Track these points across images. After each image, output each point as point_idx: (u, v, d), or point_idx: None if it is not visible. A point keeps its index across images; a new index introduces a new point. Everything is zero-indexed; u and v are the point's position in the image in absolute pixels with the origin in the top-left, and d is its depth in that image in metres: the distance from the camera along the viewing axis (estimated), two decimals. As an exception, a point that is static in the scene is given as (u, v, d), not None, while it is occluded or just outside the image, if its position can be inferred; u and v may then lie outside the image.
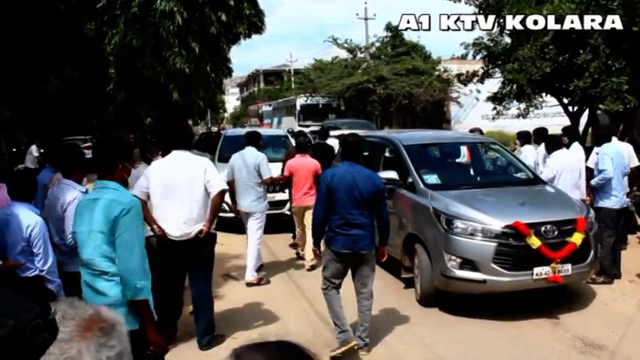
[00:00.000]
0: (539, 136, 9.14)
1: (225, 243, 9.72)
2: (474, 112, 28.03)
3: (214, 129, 35.53)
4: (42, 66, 15.73)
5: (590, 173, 7.75)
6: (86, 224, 3.25)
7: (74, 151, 5.09)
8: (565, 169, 7.70)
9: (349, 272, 5.38)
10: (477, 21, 15.80)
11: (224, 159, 11.72)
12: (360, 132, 12.51)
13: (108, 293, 3.18)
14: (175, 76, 11.11)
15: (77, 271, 4.38)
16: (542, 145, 8.87)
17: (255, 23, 12.83)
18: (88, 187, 4.60)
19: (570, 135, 8.91)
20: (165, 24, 10.78)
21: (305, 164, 8.34)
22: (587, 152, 8.54)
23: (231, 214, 10.57)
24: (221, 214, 10.42)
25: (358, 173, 5.18)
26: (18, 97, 17.45)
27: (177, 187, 5.11)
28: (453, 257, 6.01)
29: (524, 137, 9.82)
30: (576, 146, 8.48)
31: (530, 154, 8.93)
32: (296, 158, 8.52)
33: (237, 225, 10.47)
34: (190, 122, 48.08)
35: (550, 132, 9.15)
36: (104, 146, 3.65)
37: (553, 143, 8.09)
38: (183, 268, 5.33)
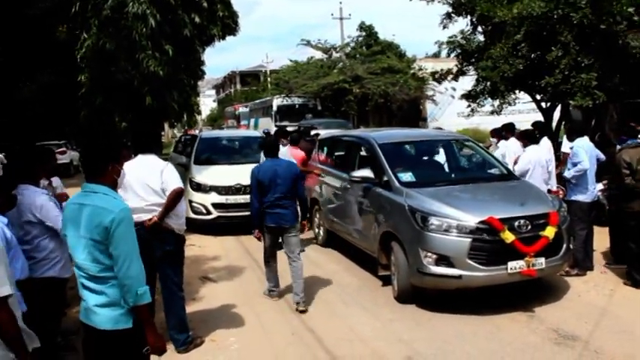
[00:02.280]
0: (508, 131, 9.34)
1: (202, 245, 9.72)
2: (449, 109, 28.28)
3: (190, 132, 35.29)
4: (16, 71, 15.52)
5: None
6: (74, 229, 3.18)
7: (29, 155, 5.08)
8: (537, 164, 7.81)
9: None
10: (450, 19, 16.01)
11: (201, 161, 11.72)
12: (337, 131, 12.65)
13: (105, 292, 3.15)
14: (149, 79, 11.01)
15: (47, 276, 4.33)
16: (512, 140, 9.04)
17: (229, 25, 12.78)
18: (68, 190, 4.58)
19: (540, 130, 9.04)
20: (137, 27, 10.67)
21: (295, 155, 9.31)
22: (557, 148, 8.68)
23: (208, 217, 10.60)
24: (199, 217, 10.56)
25: (278, 165, 6.61)
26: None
27: (134, 187, 5.23)
28: (429, 254, 6.06)
29: (498, 133, 9.96)
30: (545, 141, 8.62)
31: (506, 150, 9.07)
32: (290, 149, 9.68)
33: (213, 227, 10.49)
34: (166, 125, 47.70)
35: (524, 128, 9.30)
36: (93, 148, 3.39)
37: (529, 137, 8.21)
38: (150, 268, 5.30)
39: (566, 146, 8.36)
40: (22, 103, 18.94)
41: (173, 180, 5.36)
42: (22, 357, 2.91)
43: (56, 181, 6.25)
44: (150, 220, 5.24)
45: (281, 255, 6.86)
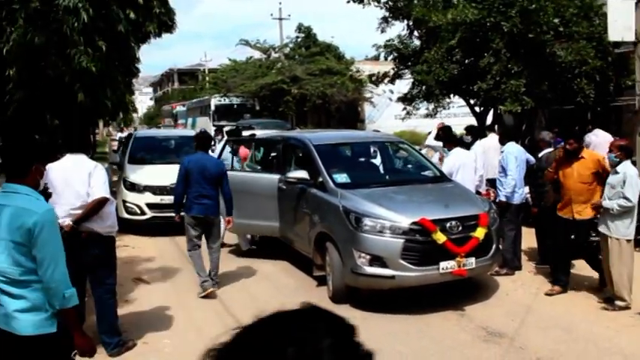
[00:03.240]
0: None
1: (136, 246, 9.52)
2: (387, 112, 28.68)
3: (122, 132, 34.42)
4: None
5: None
6: None
7: None
8: (462, 166, 8.03)
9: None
10: (387, 23, 16.27)
11: (135, 161, 11.48)
12: (273, 132, 12.63)
13: (27, 296, 3.03)
14: (81, 75, 10.65)
15: None
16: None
17: (165, 22, 12.52)
18: None
19: (473, 134, 9.32)
20: (69, 21, 10.30)
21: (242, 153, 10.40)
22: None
23: (142, 217, 10.39)
24: (133, 217, 10.33)
25: (207, 160, 7.18)
26: None
27: (59, 188, 5.01)
28: (363, 254, 6.14)
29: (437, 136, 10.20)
30: (476, 146, 8.90)
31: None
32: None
33: (148, 228, 10.29)
34: (101, 124, 46.37)
35: (457, 131, 9.58)
36: (16, 146, 3.27)
37: (451, 140, 8.44)
38: (77, 271, 5.14)
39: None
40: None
41: (99, 187, 5.11)
42: None
43: None
44: (67, 225, 4.97)
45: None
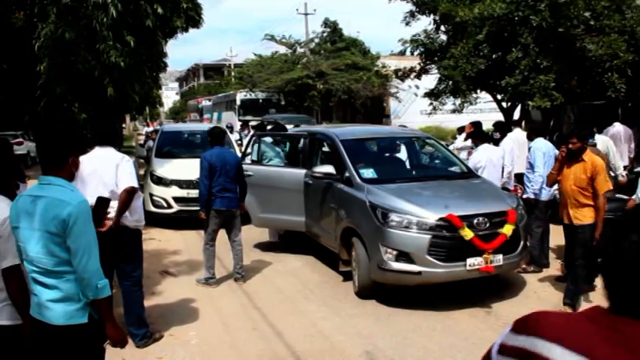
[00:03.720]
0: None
1: (163, 239, 9.62)
2: (412, 107, 28.53)
3: (148, 127, 34.78)
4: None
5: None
6: (28, 221, 3.05)
7: None
8: (488, 163, 7.95)
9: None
10: (413, 17, 16.17)
11: (162, 155, 11.59)
12: (299, 127, 12.63)
13: (60, 287, 3.07)
14: (110, 70, 10.81)
15: None
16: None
17: (192, 17, 12.64)
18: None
19: (501, 130, 9.22)
20: (98, 16, 10.46)
21: None
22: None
23: (169, 210, 10.50)
24: (160, 210, 10.44)
25: (227, 153, 7.39)
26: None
27: (89, 181, 5.06)
28: (389, 250, 6.12)
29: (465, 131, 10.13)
30: (506, 141, 8.79)
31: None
32: None
33: (174, 221, 10.39)
34: (127, 118, 46.84)
35: (484, 127, 9.48)
36: (53, 138, 3.21)
37: (480, 136, 8.37)
38: (105, 263, 5.21)
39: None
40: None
41: (126, 177, 5.17)
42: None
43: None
44: (104, 225, 5.09)
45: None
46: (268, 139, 9.95)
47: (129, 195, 5.16)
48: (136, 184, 5.26)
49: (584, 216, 6.01)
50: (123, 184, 5.14)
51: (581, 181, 6.01)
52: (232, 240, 7.34)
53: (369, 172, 7.25)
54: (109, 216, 5.10)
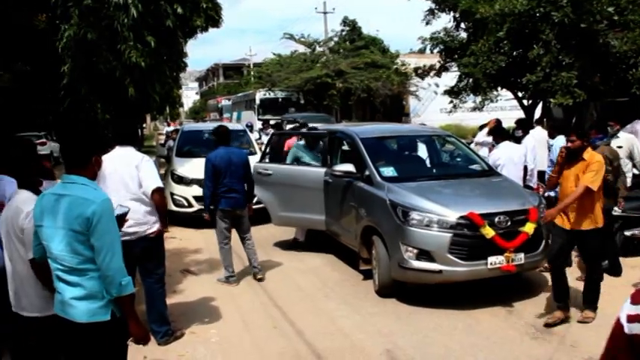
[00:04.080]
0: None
1: (184, 238, 9.68)
2: (432, 105, 28.42)
3: (169, 126, 35.00)
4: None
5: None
6: (52, 220, 3.11)
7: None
8: (508, 160, 7.88)
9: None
10: (433, 15, 16.09)
11: (183, 154, 11.68)
12: (319, 125, 12.65)
13: (83, 285, 3.11)
14: (131, 70, 10.89)
15: None
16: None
17: (212, 17, 12.65)
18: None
19: (524, 127, 9.13)
20: (119, 17, 10.55)
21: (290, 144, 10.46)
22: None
23: (189, 209, 10.56)
24: (180, 209, 10.51)
25: (232, 153, 7.23)
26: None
27: (110, 180, 5.11)
28: (410, 248, 6.10)
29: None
30: (528, 138, 8.71)
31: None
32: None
33: (195, 220, 10.45)
34: (148, 118, 47.21)
35: (505, 125, 9.39)
36: (77, 138, 3.27)
37: (502, 133, 8.29)
38: (127, 262, 5.28)
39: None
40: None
41: (152, 179, 5.25)
42: None
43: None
44: (153, 233, 5.28)
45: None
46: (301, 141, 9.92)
47: (161, 196, 5.30)
48: (161, 184, 5.32)
49: (583, 222, 5.55)
50: (150, 186, 5.20)
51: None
52: (243, 237, 7.38)
53: (389, 171, 7.23)
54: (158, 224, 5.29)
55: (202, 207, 10.35)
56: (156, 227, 5.30)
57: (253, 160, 11.49)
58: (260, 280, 7.33)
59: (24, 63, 17.04)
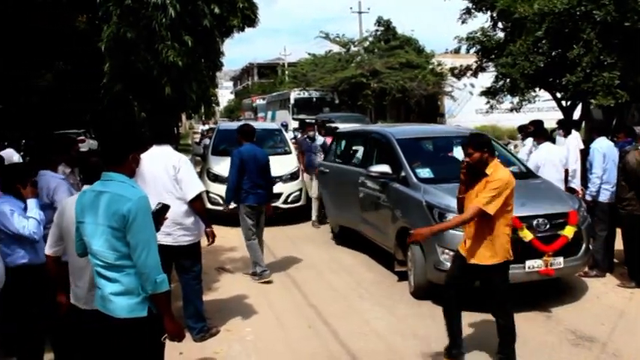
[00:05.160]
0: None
1: (219, 236, 9.73)
2: (467, 106, 28.12)
3: (204, 125, 35.39)
4: (33, 61, 15.63)
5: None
6: (92, 216, 3.17)
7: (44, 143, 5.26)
8: (547, 162, 7.73)
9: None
10: (469, 15, 15.91)
11: (218, 152, 11.77)
12: (354, 126, 12.63)
13: (121, 280, 3.15)
14: (168, 69, 11.06)
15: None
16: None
17: (248, 16, 12.75)
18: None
19: (566, 128, 8.95)
20: (157, 17, 10.72)
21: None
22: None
23: (222, 207, 10.63)
24: (216, 207, 10.58)
25: (256, 150, 7.43)
26: (8, 92, 17.34)
27: (148, 179, 5.13)
28: (446, 250, 6.02)
29: (526, 130, 9.86)
30: (569, 140, 8.54)
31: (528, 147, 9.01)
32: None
33: (230, 218, 10.51)
34: (183, 117, 47.81)
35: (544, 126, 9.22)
36: (115, 136, 3.35)
37: (542, 134, 8.15)
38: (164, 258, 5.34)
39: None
40: (41, 92, 19.10)
41: (190, 184, 5.29)
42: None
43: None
44: (209, 243, 5.54)
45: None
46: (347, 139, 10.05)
47: (201, 202, 5.44)
48: (200, 189, 5.37)
49: (481, 255, 4.64)
50: (189, 194, 5.25)
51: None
52: (258, 233, 7.47)
53: (425, 172, 7.16)
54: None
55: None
56: (198, 234, 5.40)
57: (288, 160, 11.62)
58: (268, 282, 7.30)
59: (65, 63, 17.47)
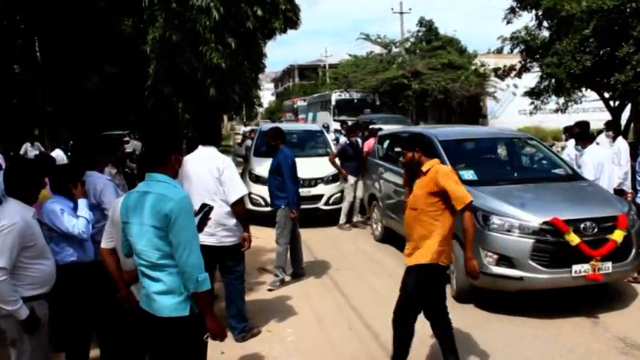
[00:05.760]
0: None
1: (260, 236, 9.81)
2: (510, 107, 27.68)
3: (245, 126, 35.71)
4: (83, 64, 16.10)
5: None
6: (137, 216, 3.24)
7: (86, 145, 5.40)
8: (603, 164, 7.54)
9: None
10: (514, 14, 15.65)
11: (260, 154, 11.87)
12: (397, 127, 12.57)
13: (163, 280, 3.21)
14: (212, 71, 11.22)
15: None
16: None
17: (290, 18, 12.85)
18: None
19: (614, 129, 8.72)
20: (201, 20, 10.89)
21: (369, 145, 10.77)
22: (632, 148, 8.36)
23: (266, 208, 10.71)
24: (257, 208, 10.67)
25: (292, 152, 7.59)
26: (60, 94, 17.89)
27: (194, 179, 5.23)
28: (490, 253, 5.94)
29: (570, 131, 9.65)
30: (619, 141, 8.31)
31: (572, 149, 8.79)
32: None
33: (272, 219, 10.58)
34: (225, 118, 48.31)
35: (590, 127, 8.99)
36: (158, 137, 3.44)
37: (587, 137, 7.96)
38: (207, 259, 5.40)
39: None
40: (90, 94, 19.66)
41: (234, 187, 5.32)
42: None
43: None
44: (245, 247, 5.50)
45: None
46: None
47: (242, 206, 5.46)
48: (243, 192, 5.41)
49: (415, 255, 4.50)
50: (232, 197, 5.30)
51: (418, 200, 4.41)
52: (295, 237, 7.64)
53: (468, 174, 7.06)
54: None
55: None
56: (237, 236, 5.42)
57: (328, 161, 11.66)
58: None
59: (111, 65, 17.94)
